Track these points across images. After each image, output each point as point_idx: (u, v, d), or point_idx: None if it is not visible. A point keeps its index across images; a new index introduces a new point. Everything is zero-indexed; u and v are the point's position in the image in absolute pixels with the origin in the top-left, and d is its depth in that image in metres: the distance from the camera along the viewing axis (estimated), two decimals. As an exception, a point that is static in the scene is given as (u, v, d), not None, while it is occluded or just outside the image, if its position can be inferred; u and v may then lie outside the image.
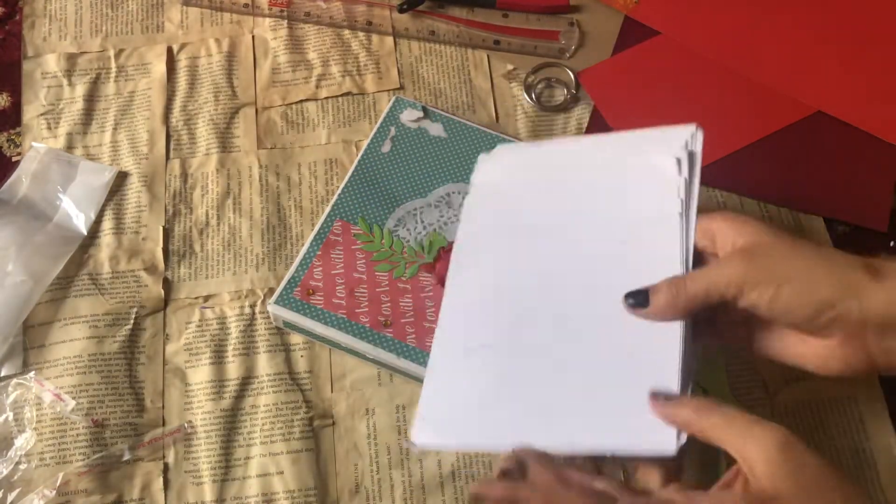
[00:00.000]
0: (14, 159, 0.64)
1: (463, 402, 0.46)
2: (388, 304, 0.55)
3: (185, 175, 0.63)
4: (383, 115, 0.63)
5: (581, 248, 0.48)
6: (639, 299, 0.43)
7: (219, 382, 0.55)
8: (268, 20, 0.69)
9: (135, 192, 0.62)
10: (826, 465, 0.35)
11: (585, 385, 0.43)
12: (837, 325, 0.40)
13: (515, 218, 0.51)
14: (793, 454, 0.35)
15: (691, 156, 0.47)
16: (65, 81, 0.67)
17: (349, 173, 0.60)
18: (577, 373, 0.44)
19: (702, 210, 0.45)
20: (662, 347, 0.42)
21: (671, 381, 0.41)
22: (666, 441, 0.39)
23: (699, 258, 0.44)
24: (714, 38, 0.68)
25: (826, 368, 0.42)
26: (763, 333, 0.44)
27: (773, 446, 0.35)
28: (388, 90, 0.66)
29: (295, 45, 0.68)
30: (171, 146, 0.64)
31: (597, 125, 0.65)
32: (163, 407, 0.55)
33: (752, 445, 0.36)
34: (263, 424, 0.54)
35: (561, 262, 0.48)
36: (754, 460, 0.35)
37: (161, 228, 0.61)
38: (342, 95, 0.66)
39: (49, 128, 0.65)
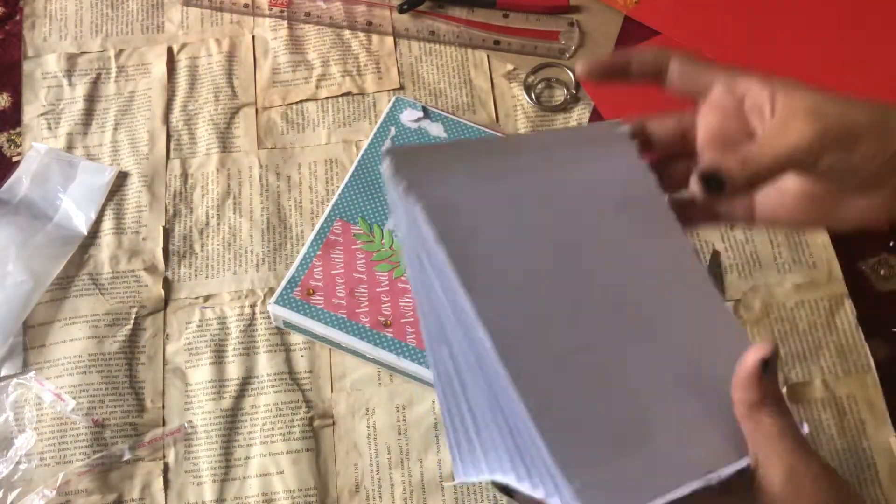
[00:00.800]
0: (14, 159, 0.64)
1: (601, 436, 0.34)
2: (388, 304, 0.55)
3: (185, 175, 0.63)
4: (383, 115, 0.63)
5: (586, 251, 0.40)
6: (713, 183, 0.37)
7: (219, 382, 0.55)
8: (268, 20, 0.70)
9: (135, 192, 0.62)
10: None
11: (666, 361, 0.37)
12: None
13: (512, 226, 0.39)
14: (799, 488, 0.34)
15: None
16: (65, 81, 0.67)
17: (349, 173, 0.60)
18: (652, 354, 0.37)
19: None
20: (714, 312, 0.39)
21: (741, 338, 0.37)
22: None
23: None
24: (714, 37, 0.68)
25: (874, 219, 0.39)
26: (813, 198, 0.40)
27: (785, 473, 0.34)
28: (388, 90, 0.67)
29: (295, 45, 0.68)
30: (172, 146, 0.64)
31: (597, 125, 0.65)
32: (163, 407, 0.55)
33: (777, 464, 0.35)
34: (263, 424, 0.54)
35: (577, 254, 0.39)
36: (773, 477, 0.35)
37: (161, 228, 0.61)
38: (342, 95, 0.66)
39: (49, 128, 0.65)
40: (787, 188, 0.41)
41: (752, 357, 0.34)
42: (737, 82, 0.40)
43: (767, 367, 0.34)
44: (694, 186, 0.37)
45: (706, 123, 0.42)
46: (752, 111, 0.40)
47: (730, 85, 0.41)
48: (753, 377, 0.34)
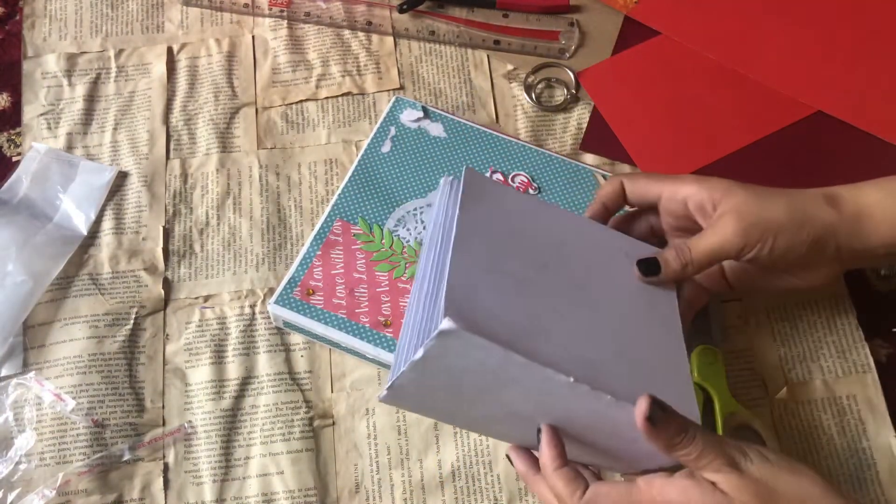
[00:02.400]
0: (14, 159, 0.64)
1: (497, 311, 0.40)
2: (388, 304, 0.55)
3: (185, 175, 0.63)
4: (383, 115, 0.63)
5: (587, 236, 0.49)
6: (651, 268, 0.47)
7: (219, 382, 0.55)
8: (268, 20, 0.69)
9: (135, 192, 0.62)
10: (783, 476, 0.38)
11: (616, 348, 0.43)
12: (820, 256, 0.47)
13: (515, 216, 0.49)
14: (740, 476, 0.38)
15: None
16: (65, 81, 0.67)
17: (349, 173, 0.60)
18: (601, 330, 0.43)
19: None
20: (674, 357, 0.44)
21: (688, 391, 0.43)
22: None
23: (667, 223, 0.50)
24: (714, 37, 0.68)
25: (809, 287, 0.50)
26: (750, 275, 0.51)
27: (720, 468, 0.38)
28: (388, 90, 0.66)
29: (295, 45, 0.68)
30: (172, 146, 0.64)
31: (597, 125, 0.65)
32: (163, 407, 0.55)
33: (710, 466, 0.39)
34: (263, 424, 0.54)
35: (568, 240, 0.48)
36: (713, 477, 0.39)
37: (161, 228, 0.61)
38: (342, 95, 0.66)
39: (49, 128, 0.65)
40: (743, 266, 0.50)
41: (638, 417, 0.38)
42: (678, 189, 0.48)
43: (654, 420, 0.38)
44: (634, 270, 0.47)
45: (664, 223, 0.51)
46: (696, 211, 0.48)
47: (673, 192, 0.49)
48: (650, 433, 0.38)
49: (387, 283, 0.56)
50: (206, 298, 0.59)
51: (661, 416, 0.38)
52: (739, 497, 0.38)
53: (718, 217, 0.46)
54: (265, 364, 0.56)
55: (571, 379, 0.38)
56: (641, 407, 0.38)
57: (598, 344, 0.42)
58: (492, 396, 0.41)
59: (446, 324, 0.37)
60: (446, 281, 0.40)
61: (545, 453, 0.41)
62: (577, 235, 0.49)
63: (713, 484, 0.38)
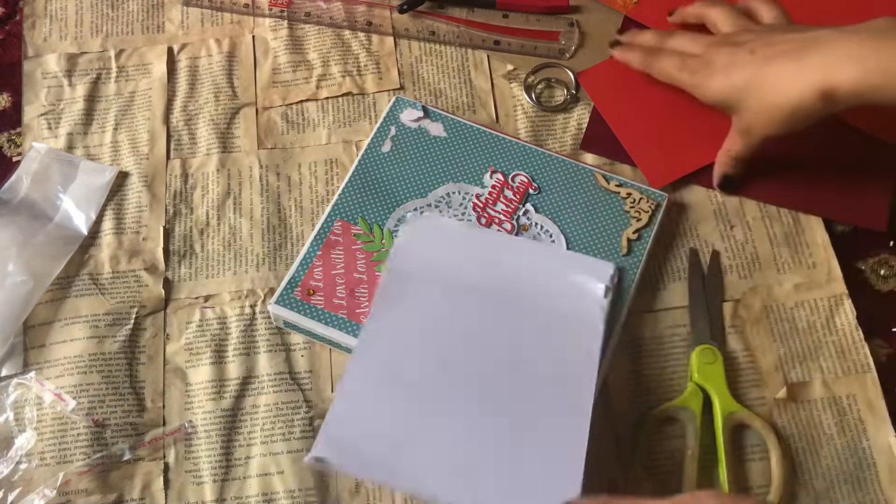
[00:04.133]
0: (14, 159, 0.64)
1: (372, 431, 0.47)
2: (389, 304, 0.55)
3: (185, 175, 0.63)
4: (383, 115, 0.63)
5: (507, 321, 0.52)
6: (728, 184, 0.61)
7: (219, 382, 0.55)
8: (268, 20, 0.70)
9: (135, 192, 0.62)
10: None
11: (494, 455, 0.46)
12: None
13: (447, 271, 0.54)
14: None
15: (612, 288, 0.54)
16: (65, 81, 0.67)
17: (349, 173, 0.60)
18: (487, 439, 0.47)
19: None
20: (571, 440, 0.46)
21: (575, 478, 0.45)
22: None
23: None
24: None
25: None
26: None
27: None
28: (388, 90, 0.67)
29: (295, 45, 0.68)
30: (172, 146, 0.64)
31: (597, 125, 0.65)
32: (163, 407, 0.55)
33: None
34: (264, 424, 0.54)
35: (487, 328, 0.52)
36: None
37: (161, 228, 0.61)
38: (342, 95, 0.66)
39: (49, 128, 0.65)
40: None
41: None
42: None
43: None
44: (719, 193, 0.62)
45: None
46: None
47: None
48: None
49: (387, 283, 0.56)
50: (207, 298, 0.59)
51: None
52: None
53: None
54: (265, 364, 0.56)
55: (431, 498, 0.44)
56: None
57: (477, 450, 0.46)
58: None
59: (318, 450, 0.44)
60: (332, 406, 0.47)
61: None
62: (511, 298, 0.53)
63: None
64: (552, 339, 0.51)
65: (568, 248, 0.58)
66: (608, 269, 0.55)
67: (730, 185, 0.61)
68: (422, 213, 0.59)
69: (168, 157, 0.64)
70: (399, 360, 0.49)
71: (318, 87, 0.67)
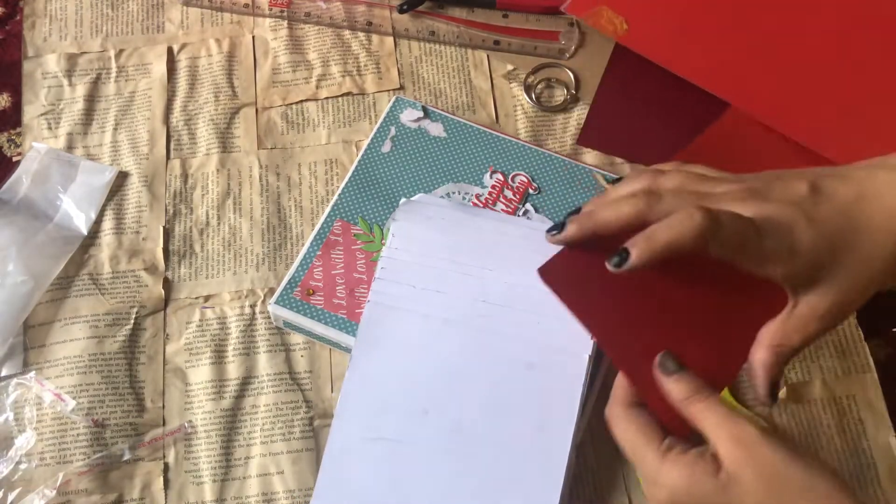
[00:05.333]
0: (14, 159, 0.64)
1: (358, 495, 0.49)
2: (389, 304, 0.55)
3: (185, 175, 0.63)
4: (383, 115, 0.63)
5: (490, 354, 0.52)
6: (621, 257, 0.40)
7: (219, 382, 0.55)
8: (268, 20, 0.70)
9: (135, 192, 0.62)
10: (793, 462, 0.37)
11: (476, 497, 0.48)
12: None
13: (430, 300, 0.53)
14: (749, 450, 0.37)
15: None
16: (65, 81, 0.67)
17: (349, 173, 0.60)
18: (469, 482, 0.48)
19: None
20: (549, 476, 0.48)
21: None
22: None
23: None
24: (707, 65, 0.64)
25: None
26: None
27: (731, 439, 0.38)
28: (388, 90, 0.67)
29: (295, 45, 0.68)
30: (172, 146, 0.64)
31: (594, 120, 0.65)
32: (163, 407, 0.55)
33: (721, 435, 0.38)
34: (264, 424, 0.54)
35: (468, 364, 0.52)
36: (721, 449, 0.38)
37: (161, 228, 0.61)
38: (342, 95, 0.66)
39: (49, 128, 0.65)
40: None
41: None
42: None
43: None
44: (608, 264, 0.40)
45: None
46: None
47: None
48: None
49: (387, 283, 0.56)
50: (207, 298, 0.59)
51: None
52: (743, 474, 0.37)
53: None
54: (265, 364, 0.56)
55: None
56: None
57: (460, 492, 0.48)
58: None
59: None
60: (319, 478, 0.49)
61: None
62: (493, 330, 0.52)
63: (718, 463, 0.38)
64: (535, 369, 0.51)
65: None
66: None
67: (777, 392, 0.43)
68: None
69: (168, 157, 0.64)
70: (380, 415, 0.50)
71: (318, 87, 0.67)
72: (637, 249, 0.39)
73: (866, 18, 0.63)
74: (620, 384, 0.43)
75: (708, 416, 0.39)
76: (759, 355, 0.42)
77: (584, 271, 0.44)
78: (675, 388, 0.41)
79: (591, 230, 0.43)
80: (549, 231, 0.44)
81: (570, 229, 0.43)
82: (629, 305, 0.44)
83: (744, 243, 0.39)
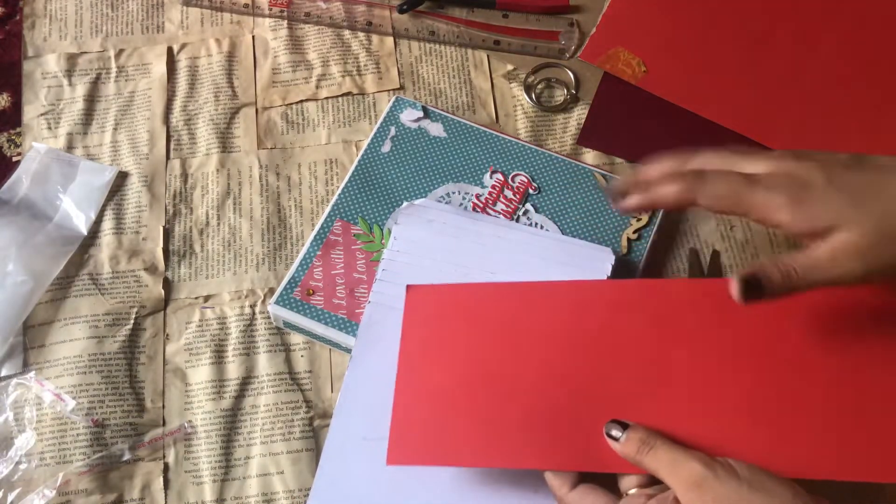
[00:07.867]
0: (14, 159, 0.64)
1: (356, 494, 0.49)
2: (388, 304, 0.55)
3: (185, 175, 0.63)
4: (383, 115, 0.63)
5: None
6: (752, 287, 0.41)
7: (219, 382, 0.55)
8: (268, 20, 0.70)
9: (135, 192, 0.62)
10: (740, 488, 0.39)
11: (476, 497, 0.48)
12: None
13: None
14: (701, 489, 0.39)
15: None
16: (65, 81, 0.67)
17: (349, 173, 0.60)
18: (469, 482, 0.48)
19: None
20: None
21: None
22: None
23: None
24: (726, 107, 0.64)
25: None
26: None
27: (683, 483, 0.40)
28: (388, 90, 0.67)
29: (295, 45, 0.68)
30: (172, 146, 0.64)
31: (594, 119, 0.65)
32: (163, 407, 0.55)
33: (674, 481, 0.40)
34: (263, 424, 0.54)
35: None
36: (678, 493, 0.40)
37: (161, 228, 0.61)
38: (342, 95, 0.66)
39: (49, 128, 0.65)
40: None
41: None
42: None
43: None
44: (733, 288, 0.40)
45: None
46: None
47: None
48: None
49: (387, 283, 0.56)
50: (207, 298, 0.59)
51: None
52: None
53: (839, 251, 0.40)
54: (265, 364, 0.56)
55: None
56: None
57: (459, 492, 0.48)
58: None
59: None
60: (317, 476, 0.49)
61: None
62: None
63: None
64: None
65: (568, 248, 0.58)
66: (608, 253, 0.55)
67: (756, 292, 0.41)
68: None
69: (168, 157, 0.64)
70: (379, 415, 0.49)
71: (317, 87, 0.67)
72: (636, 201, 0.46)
73: (882, 57, 0.64)
74: (549, 477, 0.45)
75: (659, 464, 0.41)
76: (766, 263, 0.41)
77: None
78: (623, 448, 0.43)
79: (650, 203, 0.46)
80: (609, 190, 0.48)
81: (635, 200, 0.46)
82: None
83: (733, 195, 0.42)
